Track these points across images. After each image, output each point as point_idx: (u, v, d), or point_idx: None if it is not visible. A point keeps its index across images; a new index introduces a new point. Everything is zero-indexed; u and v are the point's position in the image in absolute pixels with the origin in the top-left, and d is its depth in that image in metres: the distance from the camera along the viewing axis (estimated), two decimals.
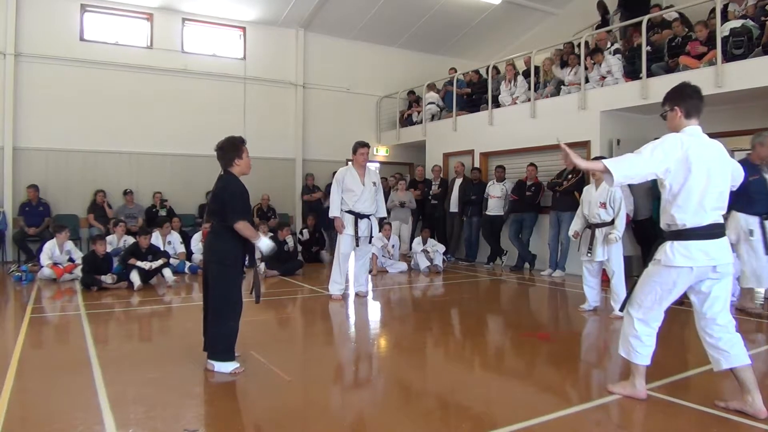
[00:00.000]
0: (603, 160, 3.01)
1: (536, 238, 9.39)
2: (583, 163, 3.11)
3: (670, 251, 3.05)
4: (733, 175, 3.18)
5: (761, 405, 3.00)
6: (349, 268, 6.79)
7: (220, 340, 3.74)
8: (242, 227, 3.71)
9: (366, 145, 6.68)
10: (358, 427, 2.99)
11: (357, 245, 6.57)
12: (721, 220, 3.09)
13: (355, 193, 6.49)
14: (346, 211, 6.52)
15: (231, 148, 3.88)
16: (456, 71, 12.28)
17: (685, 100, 3.15)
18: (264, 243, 3.85)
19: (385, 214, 7.15)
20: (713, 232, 3.02)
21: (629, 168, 2.98)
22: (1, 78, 9.77)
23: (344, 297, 6.64)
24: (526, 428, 2.86)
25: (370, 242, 6.80)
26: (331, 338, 5.28)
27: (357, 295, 6.79)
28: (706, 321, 3.11)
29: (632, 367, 3.30)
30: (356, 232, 6.49)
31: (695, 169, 2.96)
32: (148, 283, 7.46)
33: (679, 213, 3.02)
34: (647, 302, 3.20)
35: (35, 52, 10.02)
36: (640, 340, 3.22)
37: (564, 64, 9.58)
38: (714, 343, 3.08)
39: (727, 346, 3.04)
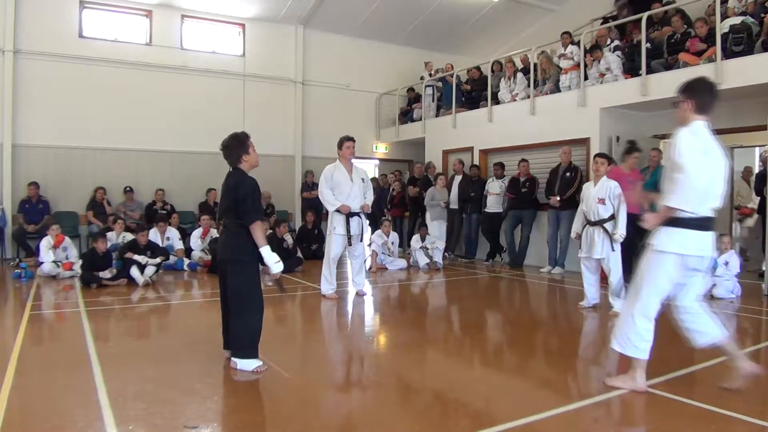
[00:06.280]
0: (667, 204, 3.09)
1: (536, 234, 9.39)
2: (654, 221, 3.19)
3: (665, 237, 3.17)
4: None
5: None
6: (348, 267, 6.76)
7: (242, 337, 3.72)
8: (255, 229, 3.68)
9: (351, 139, 6.49)
10: (357, 424, 2.99)
11: (350, 244, 6.47)
12: (713, 215, 3.19)
13: (344, 189, 6.39)
14: (335, 210, 6.41)
15: (237, 145, 3.83)
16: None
17: (698, 95, 3.21)
18: (268, 254, 3.72)
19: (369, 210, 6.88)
20: (706, 224, 3.14)
21: (691, 191, 3.01)
22: (0, 75, 9.76)
23: (342, 296, 6.63)
24: (525, 425, 2.87)
25: (361, 240, 6.66)
26: (330, 336, 5.29)
27: (357, 294, 6.74)
28: (678, 309, 3.34)
29: (633, 361, 3.33)
30: (348, 231, 6.41)
31: (706, 163, 3.04)
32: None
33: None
34: (644, 294, 3.26)
35: (34, 48, 9.99)
36: (639, 335, 3.25)
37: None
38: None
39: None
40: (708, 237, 3.17)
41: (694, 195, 3.03)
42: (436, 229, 9.89)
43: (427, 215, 10.06)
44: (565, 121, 8.94)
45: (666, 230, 3.17)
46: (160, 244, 8.52)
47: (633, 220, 6.12)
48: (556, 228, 8.64)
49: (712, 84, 3.30)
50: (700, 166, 3.00)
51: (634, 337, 3.25)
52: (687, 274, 3.22)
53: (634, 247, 6.08)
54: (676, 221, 3.12)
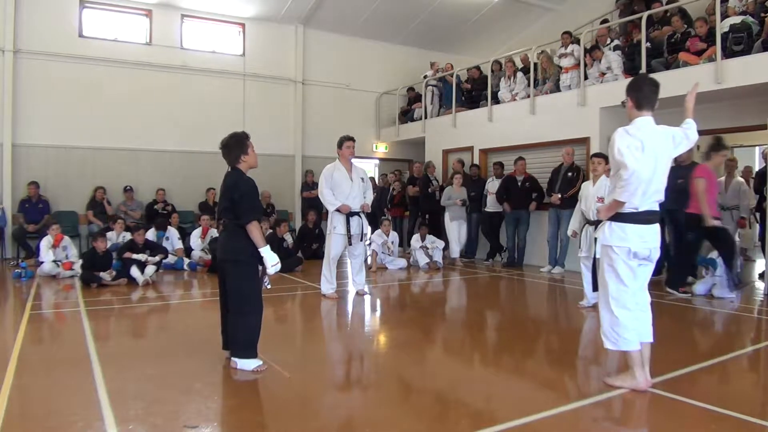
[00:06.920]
0: (614, 198, 3.20)
1: (536, 234, 9.38)
2: (605, 213, 3.29)
3: (608, 231, 3.28)
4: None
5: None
6: (348, 267, 6.75)
7: (242, 337, 3.72)
8: (252, 229, 3.69)
9: (351, 139, 6.49)
10: (358, 424, 2.99)
11: (350, 244, 6.48)
12: (657, 208, 3.28)
13: (344, 189, 6.39)
14: (336, 210, 6.41)
15: (236, 145, 3.83)
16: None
17: (637, 92, 3.28)
18: (268, 254, 3.72)
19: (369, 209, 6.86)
20: (648, 218, 3.24)
21: (638, 184, 3.09)
22: (0, 74, 9.76)
23: (342, 295, 6.63)
24: (525, 425, 2.87)
25: (362, 240, 6.65)
26: (330, 335, 5.29)
27: (357, 294, 6.74)
28: None
29: (628, 359, 3.35)
30: (348, 230, 6.41)
31: (645, 159, 3.12)
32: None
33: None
34: (611, 286, 3.32)
35: (34, 48, 9.99)
36: (623, 326, 3.29)
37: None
38: None
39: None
40: (651, 230, 3.26)
41: (642, 188, 3.11)
42: (455, 229, 9.76)
43: (446, 216, 9.91)
44: (565, 121, 8.93)
45: (610, 225, 3.28)
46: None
47: (695, 220, 6.21)
48: (556, 227, 8.63)
49: (649, 80, 3.34)
50: (640, 161, 3.08)
51: (620, 329, 3.29)
52: (639, 263, 3.28)
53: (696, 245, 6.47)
54: (619, 216, 3.23)
